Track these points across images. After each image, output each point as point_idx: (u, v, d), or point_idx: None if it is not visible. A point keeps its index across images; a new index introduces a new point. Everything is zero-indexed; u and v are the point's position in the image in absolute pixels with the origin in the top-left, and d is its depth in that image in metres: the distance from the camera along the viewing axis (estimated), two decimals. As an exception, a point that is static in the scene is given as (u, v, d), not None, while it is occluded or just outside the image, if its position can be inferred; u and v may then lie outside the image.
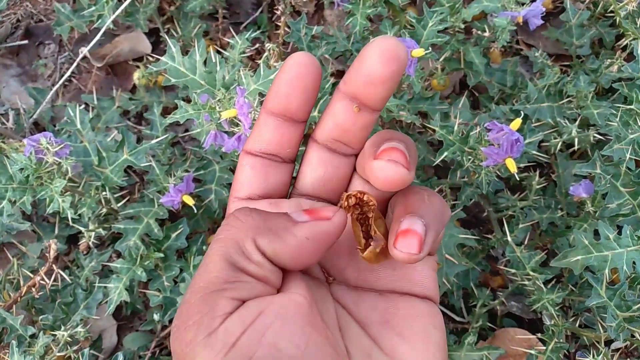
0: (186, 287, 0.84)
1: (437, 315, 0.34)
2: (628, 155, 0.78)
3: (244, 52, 0.87)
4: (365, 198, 0.31)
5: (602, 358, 0.73)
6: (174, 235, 0.87)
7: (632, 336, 0.73)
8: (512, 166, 0.73)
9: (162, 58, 0.75)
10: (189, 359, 0.26)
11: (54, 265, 0.83)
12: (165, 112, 1.13)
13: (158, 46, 1.23)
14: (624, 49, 0.99)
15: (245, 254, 0.29)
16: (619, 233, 0.73)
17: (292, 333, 0.27)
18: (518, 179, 0.82)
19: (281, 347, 0.26)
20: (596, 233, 0.78)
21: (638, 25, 0.96)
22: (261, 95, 0.76)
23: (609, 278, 0.73)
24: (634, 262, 0.71)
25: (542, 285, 0.80)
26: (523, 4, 0.89)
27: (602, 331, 0.77)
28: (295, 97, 0.32)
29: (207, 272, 0.29)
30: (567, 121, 0.89)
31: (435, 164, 0.83)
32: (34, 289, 0.82)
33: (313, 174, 0.35)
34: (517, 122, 0.74)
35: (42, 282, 0.82)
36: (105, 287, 0.86)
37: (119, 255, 0.98)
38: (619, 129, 0.81)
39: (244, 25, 1.24)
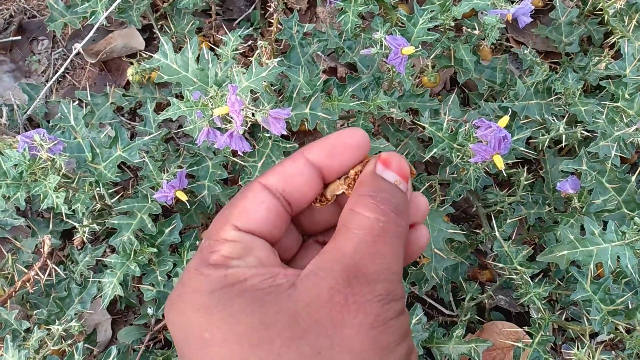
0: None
1: None
2: (613, 152, 0.80)
3: (236, 49, 0.88)
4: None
5: (586, 350, 0.74)
6: (167, 231, 0.88)
7: (616, 329, 0.75)
8: (499, 163, 0.75)
9: (155, 55, 0.76)
10: None
11: (48, 261, 0.84)
12: (159, 108, 1.14)
13: (152, 42, 1.24)
14: (612, 46, 1.01)
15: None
16: (604, 228, 0.74)
17: None
18: (506, 175, 0.84)
19: None
20: (583, 228, 0.80)
21: (626, 24, 0.98)
22: (253, 92, 0.77)
23: (595, 272, 0.75)
24: (618, 257, 0.73)
25: (529, 279, 0.82)
26: (513, 2, 0.90)
27: (587, 324, 0.79)
28: (342, 163, 0.33)
29: None
30: (555, 118, 0.90)
31: (425, 160, 0.85)
32: (28, 284, 0.83)
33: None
34: (504, 120, 0.75)
35: (36, 277, 0.83)
36: (99, 281, 0.87)
37: (113, 250, 0.99)
38: (604, 126, 0.82)
39: (237, 21, 1.24)
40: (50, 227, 0.98)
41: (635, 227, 0.73)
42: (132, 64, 1.05)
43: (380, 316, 0.28)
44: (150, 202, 0.87)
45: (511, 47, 1.16)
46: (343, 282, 0.28)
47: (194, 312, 0.29)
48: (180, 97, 0.88)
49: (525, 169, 0.89)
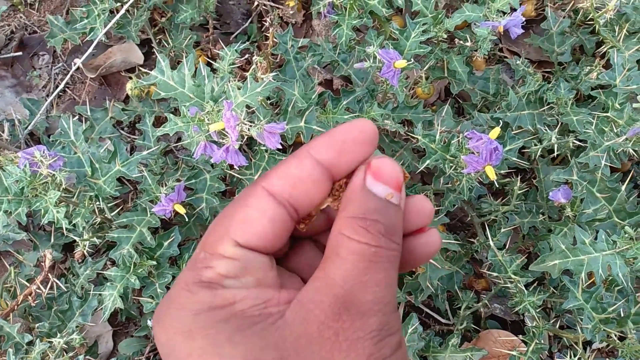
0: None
1: None
2: (603, 162, 0.81)
3: (233, 63, 0.89)
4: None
5: (579, 358, 0.75)
6: (166, 243, 0.90)
7: (609, 337, 0.76)
8: (491, 173, 0.76)
9: (152, 72, 0.77)
10: None
11: (49, 274, 0.86)
12: (158, 121, 1.15)
13: (150, 56, 1.26)
14: (603, 56, 1.02)
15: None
16: (597, 237, 0.75)
17: None
18: (498, 185, 0.85)
19: None
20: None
21: (616, 33, 0.99)
22: (248, 107, 0.78)
23: (588, 281, 0.76)
24: (609, 266, 0.74)
25: (524, 288, 0.83)
26: (505, 13, 0.92)
27: (580, 332, 0.80)
28: (352, 161, 0.29)
29: None
30: (547, 128, 0.92)
31: (420, 170, 0.86)
32: (30, 297, 0.84)
33: None
34: (496, 131, 0.77)
35: (38, 290, 0.84)
36: (100, 294, 0.89)
37: (114, 263, 1.00)
38: (594, 136, 0.84)
39: (234, 35, 1.26)
40: (52, 240, 1.00)
41: (626, 235, 0.74)
42: (131, 78, 1.07)
43: (373, 356, 0.26)
44: (149, 215, 0.88)
45: (505, 57, 1.18)
46: (333, 316, 0.26)
47: (177, 334, 0.27)
48: (178, 111, 0.90)
49: (519, 178, 0.91)
